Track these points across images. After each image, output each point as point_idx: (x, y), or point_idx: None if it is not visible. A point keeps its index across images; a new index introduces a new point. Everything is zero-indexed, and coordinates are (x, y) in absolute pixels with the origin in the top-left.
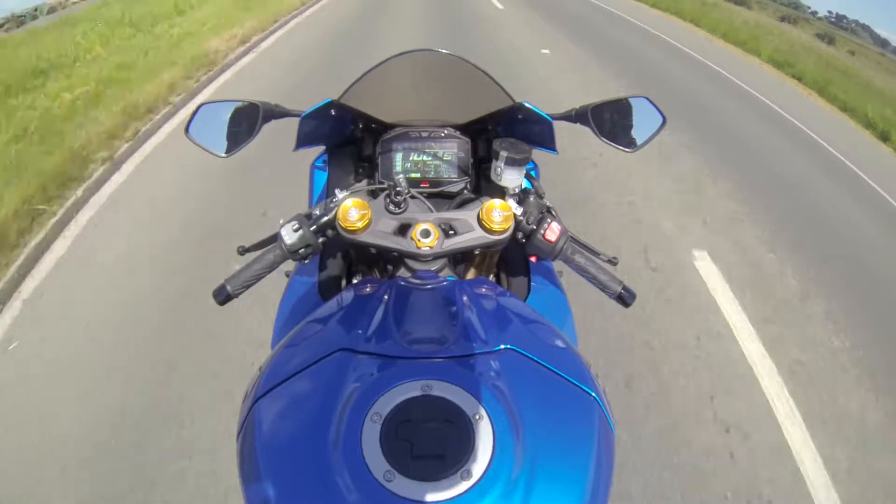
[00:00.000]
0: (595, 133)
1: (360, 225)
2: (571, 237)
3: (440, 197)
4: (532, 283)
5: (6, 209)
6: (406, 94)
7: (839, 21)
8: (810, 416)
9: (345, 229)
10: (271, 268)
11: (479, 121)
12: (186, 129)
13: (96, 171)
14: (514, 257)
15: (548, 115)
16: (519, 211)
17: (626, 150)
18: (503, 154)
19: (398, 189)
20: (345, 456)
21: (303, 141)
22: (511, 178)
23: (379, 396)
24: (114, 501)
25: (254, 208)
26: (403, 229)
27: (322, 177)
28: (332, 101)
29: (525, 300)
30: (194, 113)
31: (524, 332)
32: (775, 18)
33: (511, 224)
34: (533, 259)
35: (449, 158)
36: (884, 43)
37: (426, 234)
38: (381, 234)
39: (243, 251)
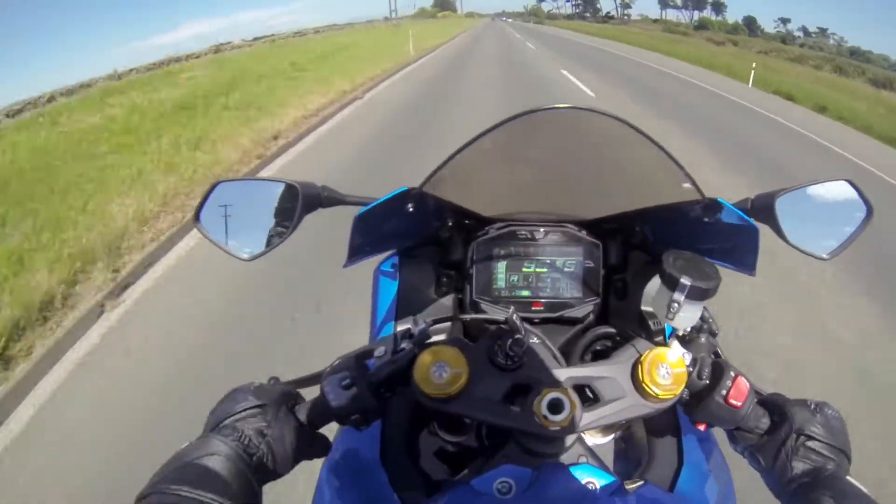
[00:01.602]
0: (780, 235)
1: (448, 391)
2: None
3: (556, 323)
4: (684, 450)
5: None
6: (510, 176)
7: None
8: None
9: (426, 396)
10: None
11: (619, 217)
12: (196, 216)
13: None
14: (662, 416)
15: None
16: (688, 360)
17: (824, 257)
18: (685, 282)
19: (515, 336)
20: None
21: (358, 249)
22: (687, 317)
23: None
24: None
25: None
26: (519, 394)
27: (391, 288)
28: (411, 189)
29: (677, 475)
30: (207, 193)
31: None
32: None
33: (683, 387)
34: (700, 427)
35: (572, 270)
36: None
37: (557, 407)
38: (484, 405)
39: (275, 385)
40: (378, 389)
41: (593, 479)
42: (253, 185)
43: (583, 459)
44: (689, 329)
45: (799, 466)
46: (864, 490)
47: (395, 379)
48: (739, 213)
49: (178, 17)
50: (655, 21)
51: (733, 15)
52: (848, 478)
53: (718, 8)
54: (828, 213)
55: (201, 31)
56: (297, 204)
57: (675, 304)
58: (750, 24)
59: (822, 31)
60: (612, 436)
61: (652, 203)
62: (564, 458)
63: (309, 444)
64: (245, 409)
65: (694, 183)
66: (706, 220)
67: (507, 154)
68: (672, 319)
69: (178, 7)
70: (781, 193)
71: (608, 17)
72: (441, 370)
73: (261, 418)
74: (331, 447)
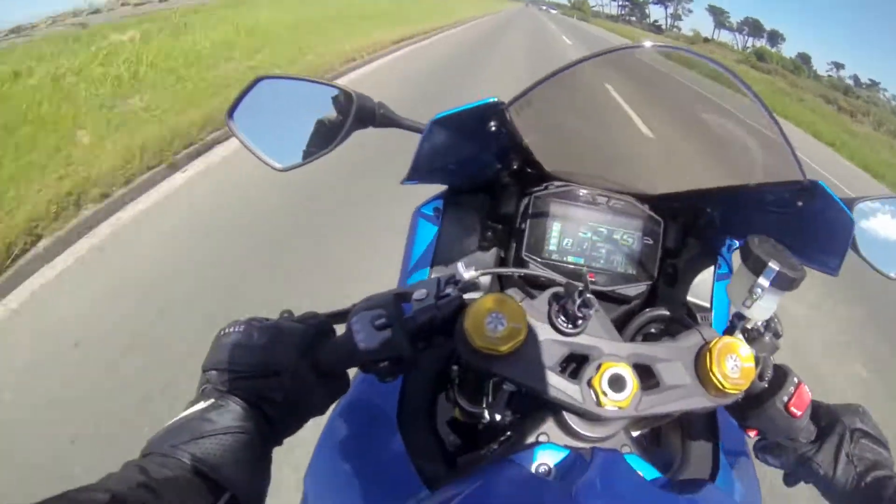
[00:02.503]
0: (853, 245)
1: (502, 346)
2: None
3: (608, 300)
4: (721, 453)
5: None
6: (582, 133)
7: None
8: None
9: (475, 349)
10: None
11: (694, 195)
12: (230, 114)
13: None
14: (699, 417)
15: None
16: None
17: (891, 276)
18: (774, 267)
19: (587, 295)
20: None
21: (422, 170)
22: (766, 307)
23: None
24: None
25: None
26: (577, 365)
27: (430, 231)
28: (499, 101)
29: (713, 480)
30: (246, 89)
31: None
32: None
33: (749, 383)
34: (752, 433)
35: (630, 244)
36: None
37: (618, 384)
38: (537, 370)
39: (289, 319)
40: (416, 336)
41: (640, 471)
42: (300, 86)
43: (626, 449)
44: (757, 323)
45: (861, 464)
46: None
47: (436, 327)
48: (839, 201)
49: None
50: (707, 41)
51: (790, 49)
52: None
53: (774, 39)
54: None
55: None
56: (348, 116)
57: (759, 290)
58: (806, 61)
59: (874, 83)
60: (645, 429)
61: (739, 181)
62: (609, 445)
63: (328, 395)
64: (260, 369)
65: (797, 160)
66: (800, 204)
67: (584, 108)
68: (750, 307)
69: None
70: (862, 200)
71: (657, 27)
72: (498, 322)
73: (279, 379)
74: (349, 387)
